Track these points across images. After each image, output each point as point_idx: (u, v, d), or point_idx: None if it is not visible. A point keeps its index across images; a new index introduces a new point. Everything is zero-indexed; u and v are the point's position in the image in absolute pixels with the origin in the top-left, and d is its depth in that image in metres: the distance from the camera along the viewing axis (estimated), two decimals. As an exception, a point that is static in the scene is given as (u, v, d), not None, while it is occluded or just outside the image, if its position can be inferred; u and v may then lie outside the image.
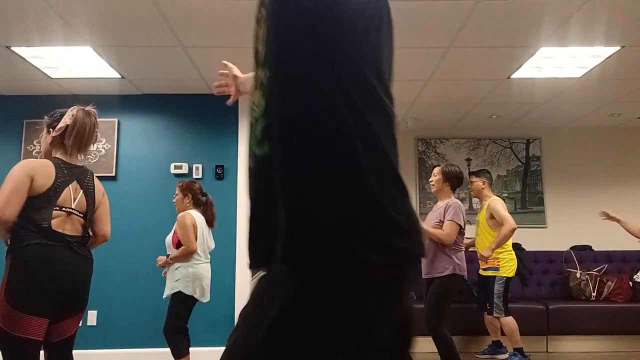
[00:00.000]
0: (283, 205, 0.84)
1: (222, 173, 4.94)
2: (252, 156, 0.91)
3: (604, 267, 5.51)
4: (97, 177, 2.58)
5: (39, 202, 2.25)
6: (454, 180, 3.86)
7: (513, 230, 4.26)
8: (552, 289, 5.73)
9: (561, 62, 4.18)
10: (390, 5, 0.97)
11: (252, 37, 0.95)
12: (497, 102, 5.25)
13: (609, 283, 5.32)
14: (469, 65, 4.26)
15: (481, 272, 4.60)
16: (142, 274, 4.77)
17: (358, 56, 0.86)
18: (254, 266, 0.92)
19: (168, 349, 4.06)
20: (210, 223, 3.91)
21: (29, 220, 2.22)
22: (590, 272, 5.40)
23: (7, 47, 3.87)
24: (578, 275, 5.45)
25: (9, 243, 2.25)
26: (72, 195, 2.36)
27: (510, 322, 4.43)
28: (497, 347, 4.72)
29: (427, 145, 6.31)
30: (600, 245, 5.80)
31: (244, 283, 4.79)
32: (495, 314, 4.44)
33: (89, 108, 2.50)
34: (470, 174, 4.79)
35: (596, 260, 5.70)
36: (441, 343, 3.64)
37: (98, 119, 2.65)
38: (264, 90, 0.88)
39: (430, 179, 3.99)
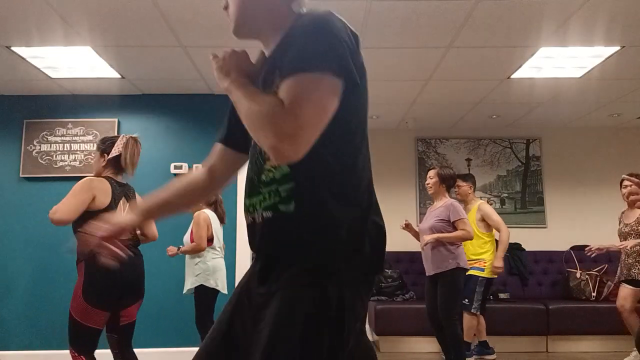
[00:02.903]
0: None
1: (222, 173, 4.94)
2: (272, 209, 1.11)
3: (604, 267, 5.51)
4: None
5: (103, 215, 2.65)
6: (449, 182, 4.02)
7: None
8: (552, 289, 5.74)
9: (561, 62, 4.18)
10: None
11: None
12: (497, 102, 5.25)
13: (609, 283, 5.32)
14: (469, 65, 4.26)
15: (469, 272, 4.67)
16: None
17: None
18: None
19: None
20: (222, 220, 4.10)
21: None
22: (590, 272, 5.41)
23: (7, 47, 3.87)
24: (578, 275, 5.45)
25: (81, 252, 2.71)
26: (123, 208, 2.84)
27: (472, 320, 4.49)
28: (484, 347, 4.70)
29: (427, 145, 6.31)
30: (600, 245, 5.80)
31: (244, 283, 4.79)
32: (472, 310, 4.48)
33: (135, 135, 3.03)
34: (457, 177, 4.82)
35: (596, 260, 5.69)
36: (453, 339, 3.69)
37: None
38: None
39: (427, 182, 4.10)
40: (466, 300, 4.51)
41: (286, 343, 1.02)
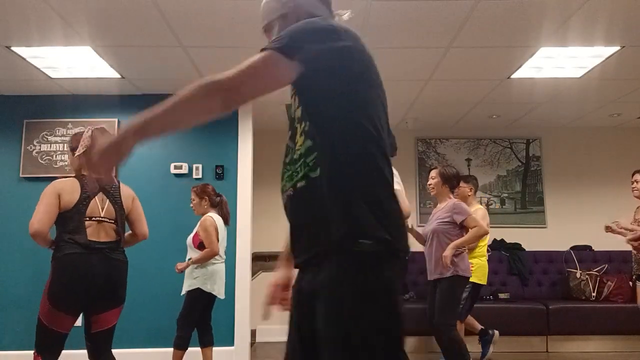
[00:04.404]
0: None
1: (222, 173, 4.94)
2: (305, 179, 1.24)
3: (604, 267, 5.51)
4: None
5: (70, 215, 2.58)
6: (452, 181, 3.84)
7: (483, 235, 3.91)
8: (552, 289, 5.73)
9: (561, 62, 4.18)
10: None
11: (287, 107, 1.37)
12: (497, 102, 5.25)
13: (609, 283, 5.32)
14: (469, 65, 4.26)
15: None
16: (142, 274, 4.77)
17: (373, 102, 1.28)
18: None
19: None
20: (226, 221, 4.07)
21: (67, 233, 2.57)
22: (590, 272, 5.41)
23: (7, 47, 3.87)
24: (578, 275, 5.45)
25: (52, 252, 2.61)
26: (100, 205, 2.67)
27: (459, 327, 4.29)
28: (483, 335, 4.64)
29: (427, 145, 6.31)
30: (600, 245, 5.80)
31: (244, 283, 4.79)
32: None
33: (102, 126, 2.78)
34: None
35: (596, 260, 5.71)
36: (452, 346, 3.52)
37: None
38: (307, 134, 1.25)
39: (429, 182, 3.92)
40: None
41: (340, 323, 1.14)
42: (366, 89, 1.27)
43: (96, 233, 2.62)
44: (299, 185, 1.25)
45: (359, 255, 1.14)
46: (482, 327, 4.69)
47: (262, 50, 1.23)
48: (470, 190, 4.64)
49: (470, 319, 4.68)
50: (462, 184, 4.61)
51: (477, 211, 4.51)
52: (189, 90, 1.16)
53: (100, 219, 2.66)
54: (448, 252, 3.56)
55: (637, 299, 4.21)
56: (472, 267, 4.38)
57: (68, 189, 2.61)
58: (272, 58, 1.21)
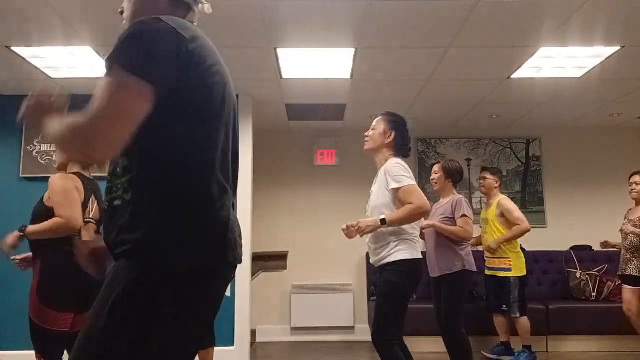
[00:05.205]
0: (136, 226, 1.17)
1: (222, 173, 4.94)
2: (119, 199, 1.22)
3: (604, 267, 5.50)
4: (97, 177, 2.81)
5: None
6: (455, 176, 3.81)
7: (527, 231, 4.34)
8: (552, 289, 5.73)
9: (561, 62, 4.18)
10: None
11: None
12: (497, 102, 5.25)
13: (609, 283, 5.32)
14: (469, 65, 4.26)
15: (490, 272, 4.60)
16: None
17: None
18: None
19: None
20: None
21: None
22: (590, 272, 5.40)
23: (7, 47, 3.87)
24: (578, 275, 5.45)
25: (36, 249, 2.60)
26: (90, 206, 2.69)
27: (524, 321, 4.52)
28: (506, 348, 4.66)
29: (427, 145, 6.31)
30: (600, 245, 5.79)
31: (244, 283, 4.79)
32: (516, 315, 4.47)
33: None
34: (484, 169, 4.75)
35: (596, 260, 5.70)
36: (457, 344, 3.46)
37: None
38: (125, 153, 1.21)
39: (432, 177, 3.92)
40: (504, 306, 4.44)
41: (101, 304, 1.16)
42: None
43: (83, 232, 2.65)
44: (115, 203, 1.24)
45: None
46: (508, 341, 4.69)
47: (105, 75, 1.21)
48: (497, 183, 4.66)
49: (506, 324, 4.68)
50: (489, 175, 4.65)
51: (504, 200, 4.55)
52: None
53: (89, 220, 2.68)
54: (426, 223, 3.64)
55: (624, 303, 4.25)
56: (511, 262, 4.47)
57: (79, 186, 2.62)
58: (136, 87, 1.22)
